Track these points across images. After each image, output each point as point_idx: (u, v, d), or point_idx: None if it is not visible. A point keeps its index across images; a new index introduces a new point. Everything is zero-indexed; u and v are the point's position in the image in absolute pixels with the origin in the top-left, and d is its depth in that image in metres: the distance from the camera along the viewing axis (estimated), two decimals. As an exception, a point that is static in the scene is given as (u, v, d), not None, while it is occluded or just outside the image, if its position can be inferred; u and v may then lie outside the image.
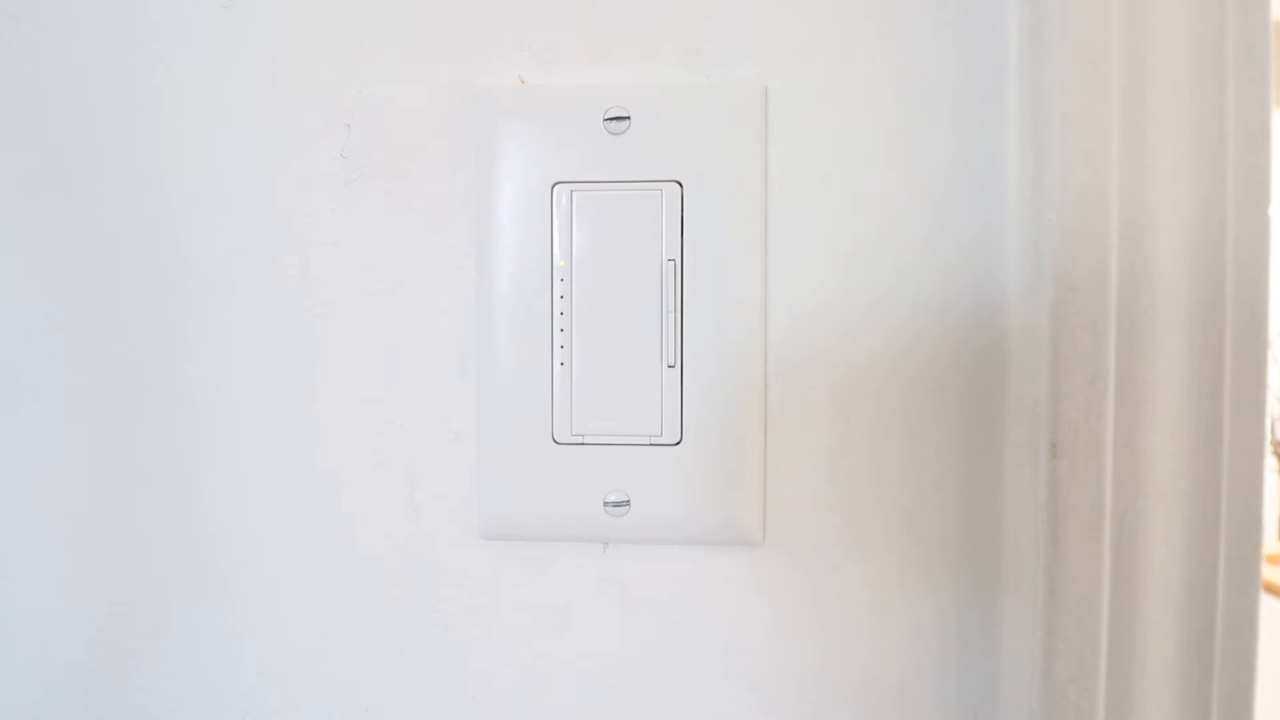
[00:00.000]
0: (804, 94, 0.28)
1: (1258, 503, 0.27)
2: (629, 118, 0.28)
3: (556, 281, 0.29)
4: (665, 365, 0.28)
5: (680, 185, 0.28)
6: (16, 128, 0.31)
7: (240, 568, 0.31)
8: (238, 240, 0.31)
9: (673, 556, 0.30)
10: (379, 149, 0.30)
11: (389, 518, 0.31)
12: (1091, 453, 0.26)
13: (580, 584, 0.30)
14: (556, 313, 0.29)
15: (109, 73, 0.31)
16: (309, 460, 0.31)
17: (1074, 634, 0.26)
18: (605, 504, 0.29)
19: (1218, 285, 0.26)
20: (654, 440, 0.28)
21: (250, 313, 0.31)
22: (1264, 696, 0.26)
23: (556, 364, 0.29)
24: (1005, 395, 0.28)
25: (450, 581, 0.31)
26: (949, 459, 0.29)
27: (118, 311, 0.31)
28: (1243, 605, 0.26)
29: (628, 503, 0.29)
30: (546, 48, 0.29)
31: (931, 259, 0.28)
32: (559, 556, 0.30)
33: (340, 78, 0.30)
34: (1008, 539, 0.28)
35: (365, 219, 0.30)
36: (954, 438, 0.28)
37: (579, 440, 0.29)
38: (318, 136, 0.30)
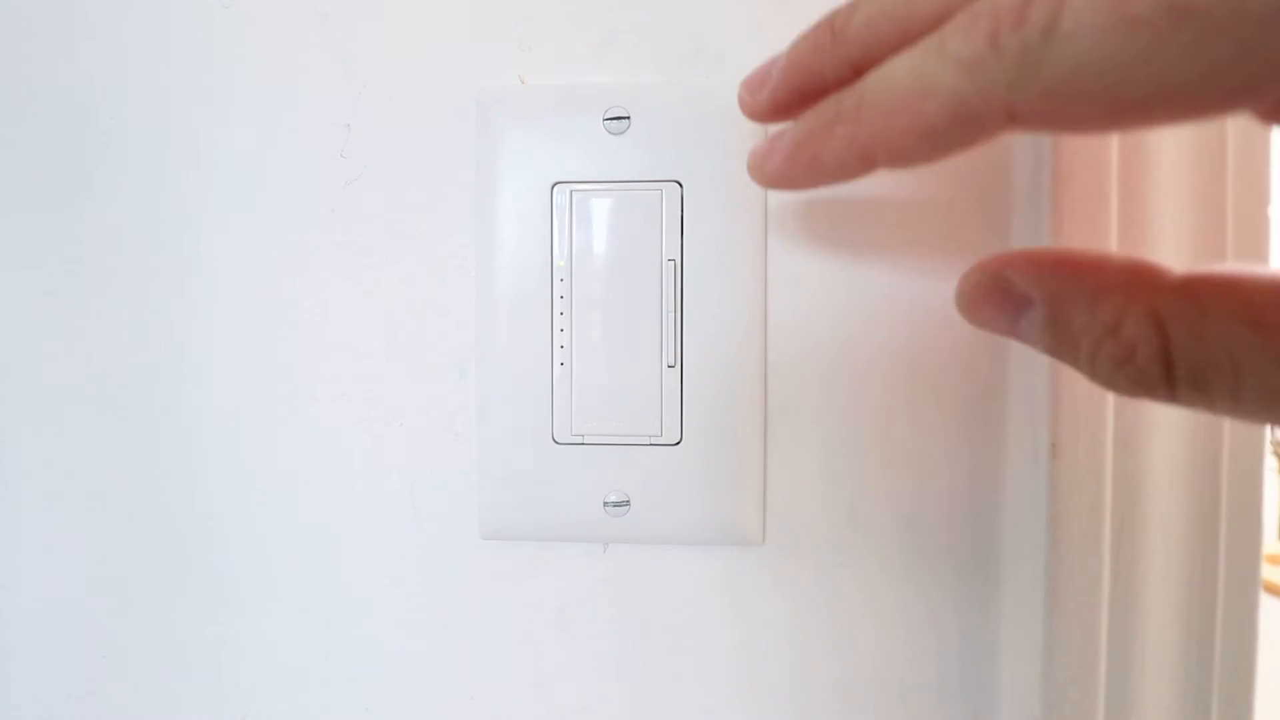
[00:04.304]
0: (804, 94, 0.28)
1: (1258, 503, 0.27)
2: (629, 117, 0.28)
3: (556, 281, 0.29)
4: (665, 365, 0.28)
5: (680, 185, 0.28)
6: (16, 127, 0.31)
7: (240, 568, 0.31)
8: (237, 240, 0.31)
9: (673, 556, 0.30)
10: (379, 149, 0.30)
11: (389, 518, 0.31)
12: (1091, 453, 0.26)
13: (580, 584, 0.30)
14: (556, 313, 0.29)
15: (108, 72, 0.31)
16: (309, 460, 0.31)
17: (1074, 634, 0.26)
18: (605, 504, 0.29)
19: (1218, 285, 0.26)
20: (654, 440, 0.28)
21: (250, 313, 0.31)
22: (1264, 696, 0.26)
23: (556, 364, 0.29)
24: (1005, 395, 0.28)
25: (450, 581, 0.31)
26: (949, 459, 0.29)
27: (117, 312, 0.31)
28: (1243, 605, 0.26)
29: (628, 503, 0.29)
30: (546, 48, 0.29)
31: (931, 258, 0.28)
32: (559, 556, 0.30)
33: (340, 77, 0.30)
34: (1008, 539, 0.28)
35: (365, 219, 0.30)
36: (954, 437, 0.28)
37: (579, 440, 0.29)
38: (318, 136, 0.30)
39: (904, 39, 0.16)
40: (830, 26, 0.18)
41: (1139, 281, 0.16)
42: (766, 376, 0.29)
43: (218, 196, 0.31)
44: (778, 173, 0.19)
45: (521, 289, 0.29)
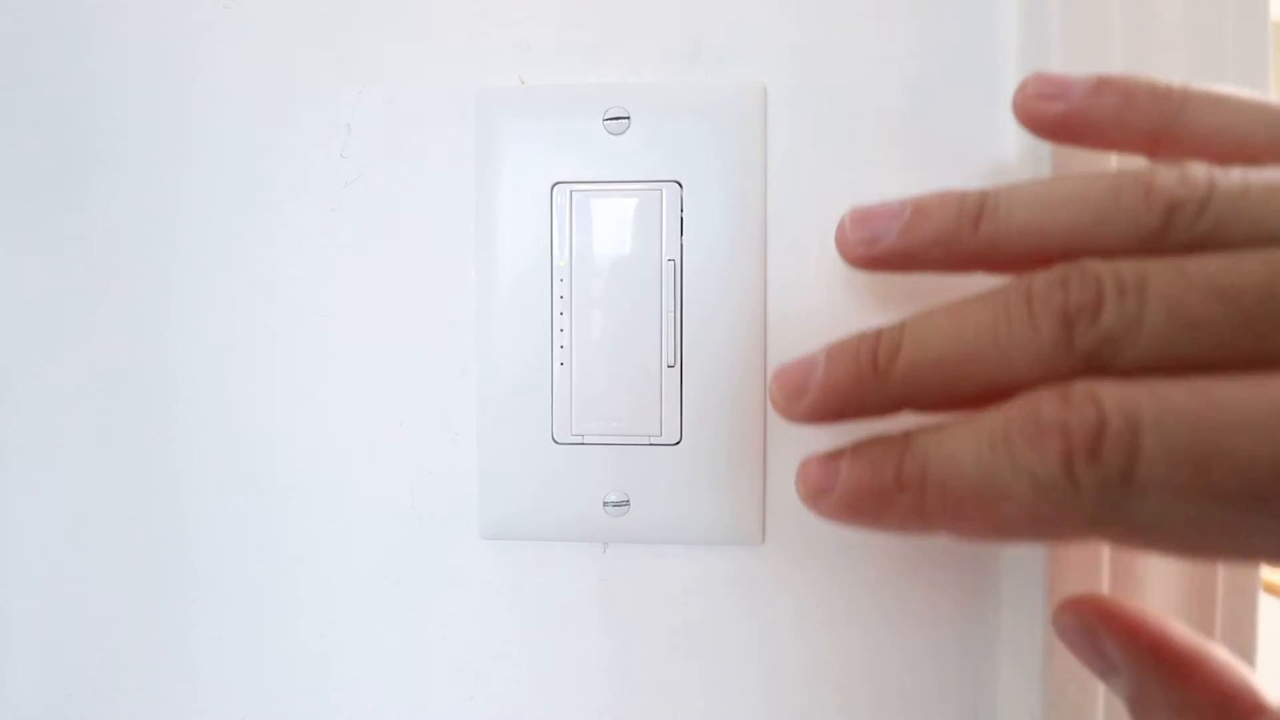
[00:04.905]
0: (804, 94, 0.28)
1: (1258, 503, 0.27)
2: (629, 117, 0.28)
3: (556, 281, 0.29)
4: (665, 365, 0.28)
5: (680, 185, 0.28)
6: (16, 127, 0.31)
7: (240, 568, 0.31)
8: (237, 240, 0.31)
9: (673, 556, 0.30)
10: (379, 149, 0.30)
11: (389, 518, 0.31)
12: (1091, 453, 0.25)
13: (580, 584, 0.30)
14: (556, 313, 0.29)
15: (109, 72, 0.31)
16: (309, 460, 0.31)
17: (1074, 634, 0.26)
18: (605, 504, 0.29)
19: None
20: (654, 440, 0.28)
21: (250, 313, 0.31)
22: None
23: (556, 364, 0.29)
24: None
25: (450, 581, 0.31)
26: (949, 459, 0.28)
27: (115, 312, 0.31)
28: (1243, 605, 0.26)
29: (627, 503, 0.29)
30: (546, 48, 0.29)
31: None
32: (559, 556, 0.30)
33: (341, 77, 0.30)
34: (1008, 539, 0.28)
35: (365, 219, 0.30)
36: (954, 438, 0.28)
37: (579, 440, 0.29)
38: (318, 136, 0.30)
39: (951, 400, 0.17)
40: (873, 361, 0.18)
41: (1229, 714, 0.16)
42: (766, 376, 0.29)
43: (217, 197, 0.31)
44: (834, 518, 0.19)
45: (521, 289, 0.29)
